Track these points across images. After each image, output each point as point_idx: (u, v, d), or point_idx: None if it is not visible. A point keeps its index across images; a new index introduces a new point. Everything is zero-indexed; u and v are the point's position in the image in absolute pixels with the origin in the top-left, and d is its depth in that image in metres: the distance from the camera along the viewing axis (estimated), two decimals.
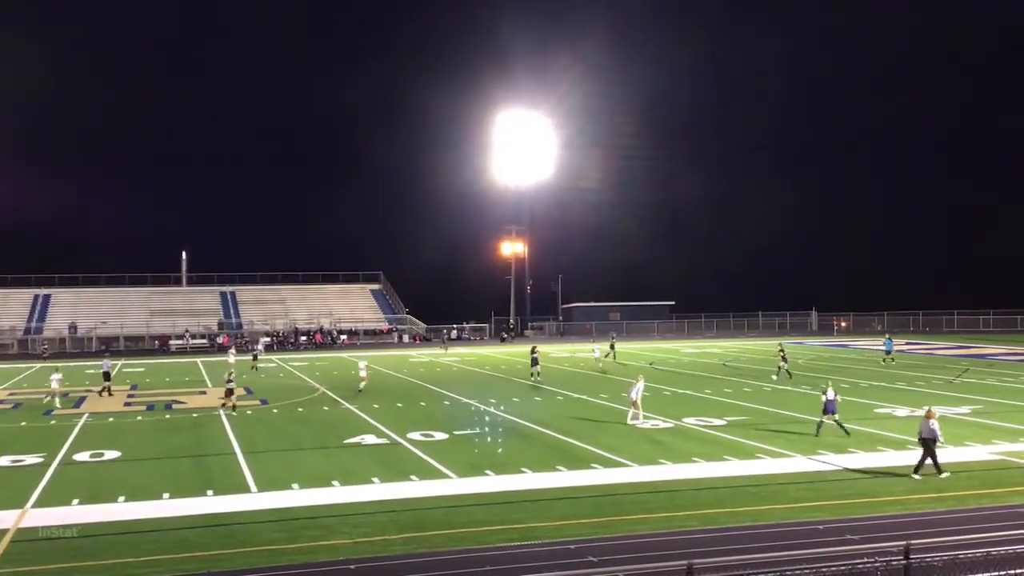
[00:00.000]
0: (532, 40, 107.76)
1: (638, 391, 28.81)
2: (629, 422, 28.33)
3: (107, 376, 39.03)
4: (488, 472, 21.24)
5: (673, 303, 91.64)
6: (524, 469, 21.50)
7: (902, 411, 30.59)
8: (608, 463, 22.20)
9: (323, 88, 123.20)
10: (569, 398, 35.91)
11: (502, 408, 32.74)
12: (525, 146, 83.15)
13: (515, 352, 65.22)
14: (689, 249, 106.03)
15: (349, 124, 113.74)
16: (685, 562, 10.02)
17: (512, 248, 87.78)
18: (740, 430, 26.97)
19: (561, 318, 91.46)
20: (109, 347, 73.02)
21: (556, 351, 65.52)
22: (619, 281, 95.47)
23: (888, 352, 50.07)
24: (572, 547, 15.04)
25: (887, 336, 53.09)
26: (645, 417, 29.71)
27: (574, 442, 25.12)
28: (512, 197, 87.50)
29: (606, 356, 52.19)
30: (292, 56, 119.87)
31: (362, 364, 40.63)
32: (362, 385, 38.59)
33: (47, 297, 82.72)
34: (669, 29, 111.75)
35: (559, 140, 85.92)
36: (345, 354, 65.91)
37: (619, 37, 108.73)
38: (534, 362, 43.17)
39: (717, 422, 28.54)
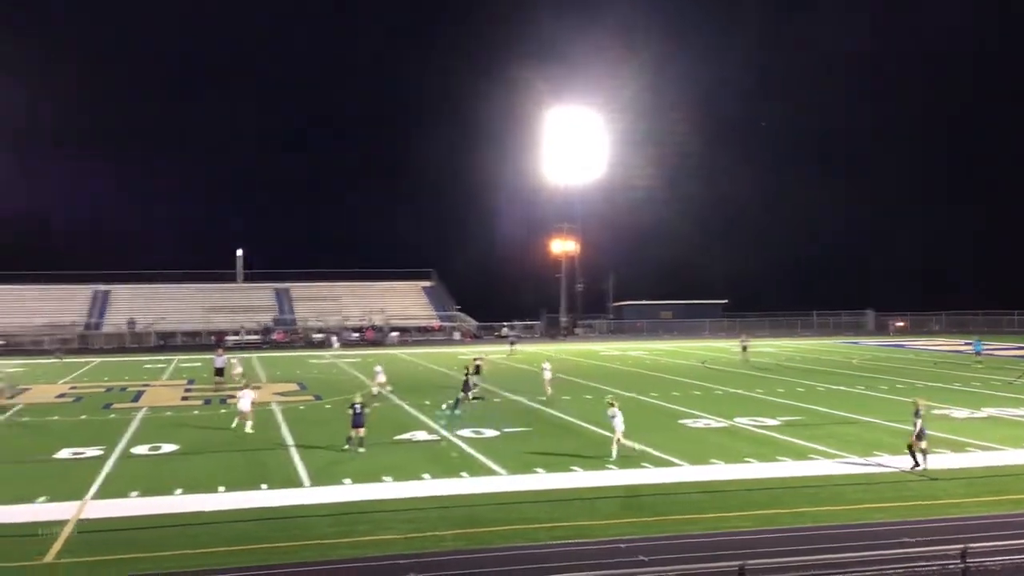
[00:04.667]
0: (584, 35, 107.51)
1: (617, 421, 22.64)
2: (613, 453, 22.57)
3: (219, 372, 39.46)
4: (538, 469, 21.25)
5: (726, 301, 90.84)
6: (574, 467, 21.48)
7: (959, 412, 30.00)
8: (659, 462, 22.08)
9: (375, 86, 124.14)
10: (619, 396, 35.70)
11: (552, 405, 32.71)
12: (577, 143, 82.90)
13: (566, 350, 65.18)
14: (744, 247, 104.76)
15: (402, 122, 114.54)
16: (738, 563, 9.96)
17: (563, 246, 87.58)
18: (794, 430, 26.66)
19: (612, 316, 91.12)
20: (167, 342, 74.39)
21: (606, 349, 65.36)
22: (671, 279, 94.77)
23: (977, 353, 49.13)
24: (623, 546, 15.00)
25: (977, 338, 51.74)
26: (696, 416, 29.53)
27: (624, 441, 24.98)
28: (563, 194, 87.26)
29: (743, 353, 52.12)
30: (343, 55, 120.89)
31: (546, 366, 37.32)
32: (548, 376, 36.11)
33: (107, 293, 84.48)
34: (724, 21, 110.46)
35: (611, 137, 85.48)
36: (397, 351, 66.37)
37: (672, 31, 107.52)
38: (465, 386, 32.41)
39: (770, 422, 28.24)
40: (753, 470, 21.20)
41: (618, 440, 22.63)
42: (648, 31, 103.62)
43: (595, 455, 22.70)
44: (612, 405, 23.16)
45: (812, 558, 12.02)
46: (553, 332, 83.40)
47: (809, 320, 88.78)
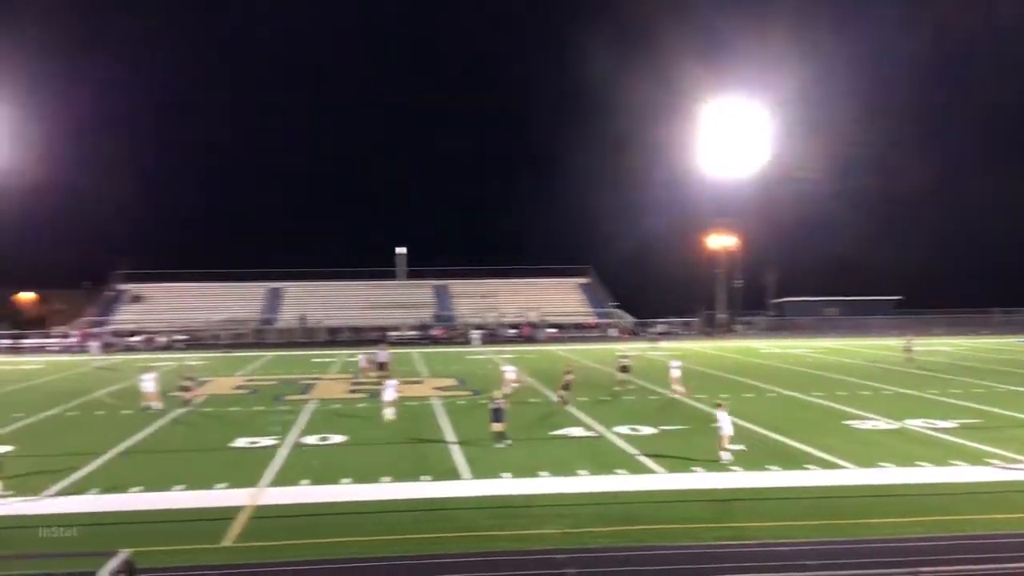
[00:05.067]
0: (746, 23, 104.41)
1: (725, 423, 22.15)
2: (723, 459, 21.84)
3: (382, 366, 40.97)
4: (696, 469, 20.96)
5: (900, 298, 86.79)
6: (734, 468, 21.08)
7: None
8: (825, 464, 21.40)
9: (531, 82, 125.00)
10: (780, 395, 34.86)
11: (710, 404, 32.13)
12: (737, 136, 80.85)
13: (725, 347, 63.96)
14: (922, 241, 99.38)
15: (557, 118, 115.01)
16: (909, 570, 9.57)
17: (721, 241, 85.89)
18: (969, 433, 25.28)
19: (773, 313, 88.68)
20: (335, 337, 77.43)
21: (767, 347, 63.73)
22: (839, 275, 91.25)
23: None
24: (786, 549, 14.63)
25: None
26: (863, 417, 28.47)
27: (786, 441, 24.37)
28: (722, 189, 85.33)
29: (906, 355, 49.51)
30: (497, 51, 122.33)
31: (675, 364, 36.38)
32: (677, 375, 35.42)
33: (279, 290, 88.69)
34: (897, 3, 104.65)
35: (775, 129, 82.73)
36: (552, 347, 66.77)
37: (840, 13, 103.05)
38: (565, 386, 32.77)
39: (944, 424, 26.88)
40: (925, 474, 20.25)
41: (725, 441, 22.09)
42: (816, 16, 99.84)
43: (754, 455, 22.21)
44: (720, 406, 22.59)
45: (986, 567, 11.39)
46: (711, 329, 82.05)
47: (990, 318, 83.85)
